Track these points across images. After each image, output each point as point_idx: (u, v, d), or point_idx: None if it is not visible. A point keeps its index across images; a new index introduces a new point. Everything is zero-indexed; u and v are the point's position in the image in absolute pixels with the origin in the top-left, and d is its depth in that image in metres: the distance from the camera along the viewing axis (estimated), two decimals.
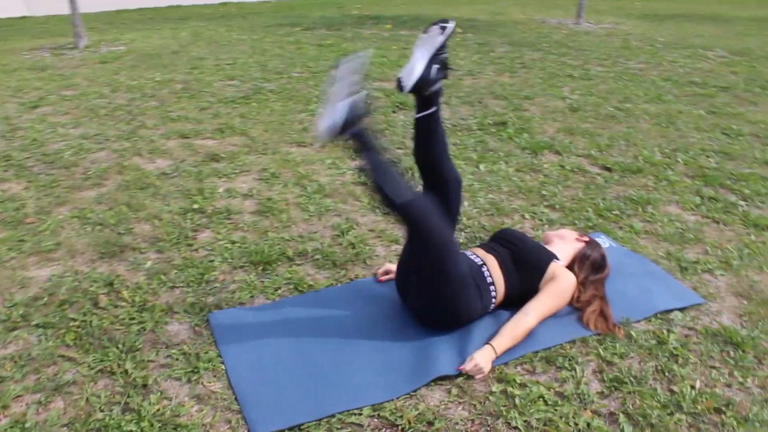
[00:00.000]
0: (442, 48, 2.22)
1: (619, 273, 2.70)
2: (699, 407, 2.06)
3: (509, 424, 1.96)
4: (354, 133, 2.14)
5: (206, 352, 2.19)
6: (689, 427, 1.98)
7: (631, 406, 2.04)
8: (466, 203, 3.29)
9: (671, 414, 2.02)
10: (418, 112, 2.33)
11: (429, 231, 2.18)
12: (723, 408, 2.06)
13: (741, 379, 2.19)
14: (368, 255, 2.83)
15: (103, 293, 2.51)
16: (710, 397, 2.10)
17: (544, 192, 3.51)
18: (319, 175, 3.55)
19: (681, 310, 2.55)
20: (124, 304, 2.45)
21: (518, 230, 2.90)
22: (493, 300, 2.40)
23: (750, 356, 2.31)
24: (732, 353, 2.32)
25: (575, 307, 2.50)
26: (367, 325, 2.38)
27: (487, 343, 2.24)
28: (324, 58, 5.96)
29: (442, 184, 2.37)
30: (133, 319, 2.37)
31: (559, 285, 2.42)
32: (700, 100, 5.43)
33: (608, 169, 3.89)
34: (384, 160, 2.18)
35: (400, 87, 2.23)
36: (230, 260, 2.74)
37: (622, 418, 2.00)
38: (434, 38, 2.21)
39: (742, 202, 3.53)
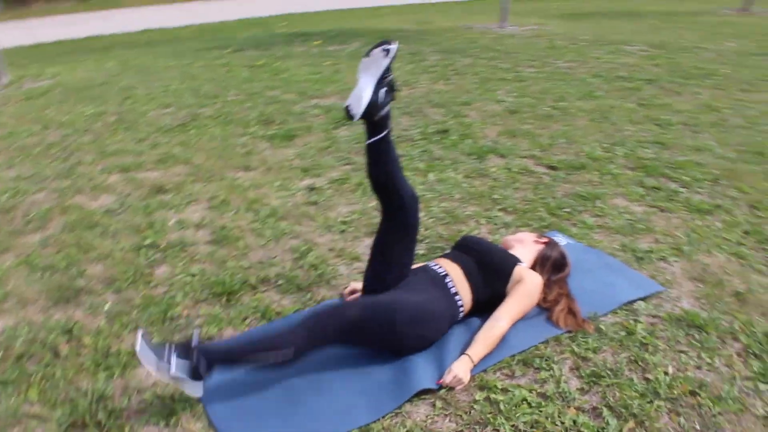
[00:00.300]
0: (387, 71, 2.21)
1: (579, 269, 2.76)
2: (675, 392, 2.12)
3: (498, 430, 1.97)
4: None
5: (181, 393, 2.12)
6: (669, 412, 2.04)
7: (611, 399, 2.09)
8: (420, 214, 3.31)
9: (651, 402, 2.07)
10: (370, 138, 2.30)
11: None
12: (697, 390, 2.13)
13: (709, 360, 2.27)
14: (331, 275, 2.81)
15: (63, 341, 2.41)
16: (684, 381, 2.16)
17: (495, 196, 3.57)
18: (269, 198, 3.51)
19: (643, 299, 2.63)
20: (86, 350, 2.35)
21: (480, 236, 2.93)
22: (461, 309, 2.42)
23: (713, 337, 2.39)
24: (696, 336, 2.41)
25: (543, 307, 2.54)
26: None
27: (463, 353, 2.25)
28: (258, 80, 5.91)
29: (400, 203, 2.35)
30: (99, 365, 2.28)
31: (526, 287, 2.46)
32: (628, 93, 5.63)
33: (553, 168, 3.98)
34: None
35: (350, 115, 2.21)
36: (192, 294, 2.67)
37: (605, 411, 2.04)
38: (379, 61, 2.20)
39: (682, 189, 3.67)
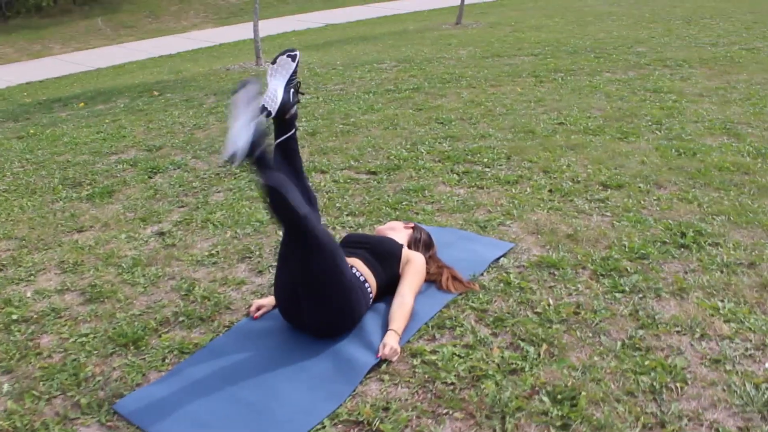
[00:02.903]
0: (294, 74, 2.41)
1: (442, 245, 3.13)
2: (563, 315, 2.57)
3: (446, 382, 2.24)
4: (259, 154, 2.22)
5: None
6: (566, 331, 2.47)
7: (520, 333, 2.47)
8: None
9: (550, 327, 2.49)
10: (278, 137, 2.48)
11: (322, 240, 2.35)
12: (577, 310, 2.60)
13: (573, 287, 2.77)
14: (227, 302, 2.85)
15: None
16: (565, 306, 2.62)
17: (337, 205, 3.83)
18: (124, 251, 3.39)
19: (504, 255, 3.07)
20: None
21: (359, 232, 3.18)
22: (371, 295, 2.64)
23: (568, 270, 2.91)
24: (556, 273, 2.90)
25: (429, 280, 2.85)
26: (276, 355, 2.44)
27: (388, 329, 2.47)
28: (38, 148, 5.49)
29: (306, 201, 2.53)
30: None
31: (415, 265, 2.76)
32: (403, 102, 6.25)
33: (374, 173, 4.35)
34: (282, 176, 2.29)
35: (267, 112, 2.36)
36: (96, 351, 2.54)
37: (520, 343, 2.41)
38: (286, 65, 2.39)
39: (486, 169, 4.27)
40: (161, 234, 3.57)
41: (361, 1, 17.63)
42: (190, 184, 4.33)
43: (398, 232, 3.01)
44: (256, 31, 8.84)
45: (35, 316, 2.81)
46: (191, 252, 3.34)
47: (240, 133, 2.17)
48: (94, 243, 3.50)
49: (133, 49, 12.66)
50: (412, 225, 3.07)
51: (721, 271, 2.85)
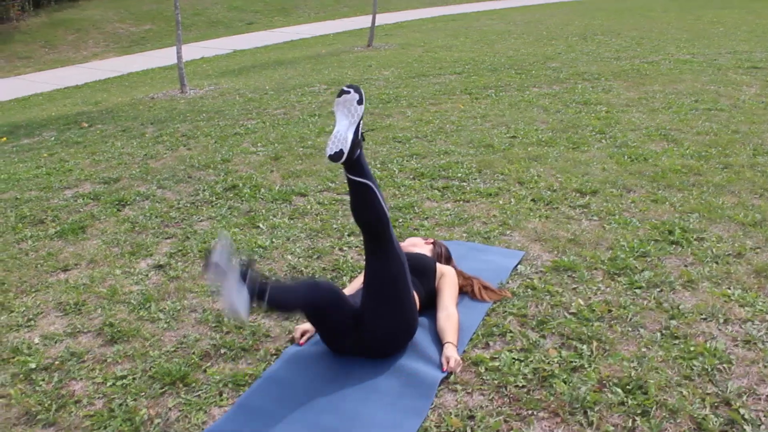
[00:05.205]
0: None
1: (458, 258, 3.25)
2: (598, 313, 2.75)
3: (517, 386, 2.35)
4: (358, 154, 2.37)
5: None
6: (608, 328, 2.65)
7: (567, 334, 2.63)
8: (288, 256, 3.46)
9: (591, 325, 2.67)
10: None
11: (398, 247, 2.44)
12: (609, 307, 2.79)
13: (594, 287, 2.97)
14: (263, 330, 2.83)
15: None
16: (596, 305, 2.81)
17: (335, 226, 3.85)
18: (127, 287, 3.24)
19: (519, 263, 3.23)
20: None
21: None
22: (417, 309, 2.72)
23: (584, 272, 3.11)
24: (573, 275, 3.10)
25: (461, 292, 2.96)
26: (340, 378, 2.46)
27: (444, 342, 2.56)
28: None
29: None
30: None
31: (451, 278, 2.87)
32: None
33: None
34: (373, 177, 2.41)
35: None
36: (143, 393, 2.46)
37: (572, 343, 2.56)
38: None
39: (463, 183, 4.45)
40: (159, 267, 3.48)
41: (262, 27, 17.58)
42: (167, 215, 4.22)
43: (421, 248, 3.10)
44: (179, 58, 8.66)
45: (55, 362, 2.67)
46: (201, 283, 3.27)
47: (348, 132, 2.32)
48: (89, 281, 3.36)
49: (32, 80, 12.01)
50: (432, 240, 3.17)
51: (716, 263, 3.14)
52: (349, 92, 2.40)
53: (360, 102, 2.39)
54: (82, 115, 7.86)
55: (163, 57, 13.47)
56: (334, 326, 2.49)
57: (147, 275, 3.41)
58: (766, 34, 11.26)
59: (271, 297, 2.26)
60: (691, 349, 2.48)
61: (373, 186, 2.41)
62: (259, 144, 5.78)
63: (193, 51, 13.67)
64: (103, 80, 11.57)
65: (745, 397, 2.22)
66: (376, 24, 12.83)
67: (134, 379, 2.57)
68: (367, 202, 2.41)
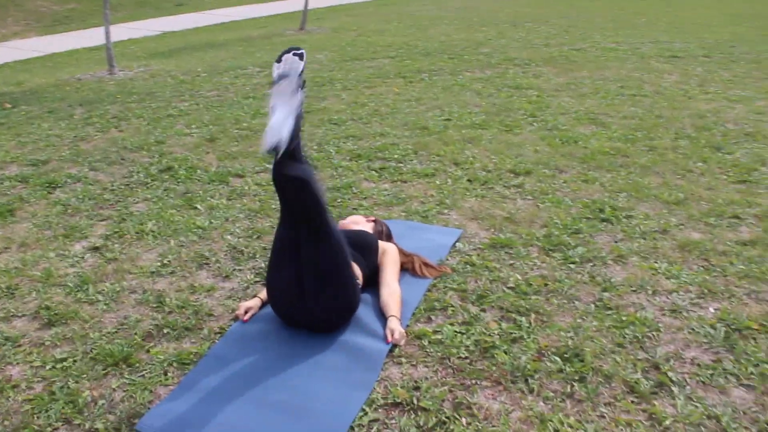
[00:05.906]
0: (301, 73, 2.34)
1: (397, 237, 3.29)
2: (535, 287, 2.85)
3: (460, 357, 2.42)
4: (294, 145, 2.27)
5: None
6: (545, 301, 2.75)
7: (507, 307, 2.71)
8: (228, 236, 3.43)
9: (529, 298, 2.76)
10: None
11: (335, 232, 2.43)
12: (545, 281, 2.89)
13: (531, 263, 3.07)
14: (206, 309, 2.80)
15: None
16: (533, 279, 2.91)
17: (273, 206, 3.83)
18: (62, 269, 3.09)
19: (458, 241, 3.30)
20: None
21: None
22: (360, 285, 2.75)
23: (520, 248, 3.21)
24: (510, 251, 3.19)
25: (402, 269, 3.01)
26: (285, 354, 2.46)
27: (388, 316, 2.60)
28: None
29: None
30: None
31: (392, 255, 2.92)
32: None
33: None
34: (309, 168, 2.35)
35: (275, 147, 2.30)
36: (84, 375, 2.40)
37: (511, 315, 2.64)
38: (295, 64, 2.31)
39: (400, 164, 4.49)
40: (96, 249, 3.38)
41: (192, 9, 17.11)
42: (100, 197, 4.10)
43: (362, 226, 3.12)
44: (108, 38, 8.35)
45: None
46: (140, 264, 3.20)
47: (283, 124, 2.20)
48: (21, 264, 3.23)
49: None
50: (374, 219, 3.20)
51: (644, 239, 3.29)
52: (295, 59, 2.30)
53: (300, 77, 2.30)
54: (5, 96, 7.49)
55: (89, 37, 12.92)
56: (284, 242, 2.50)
57: (83, 257, 3.31)
58: (684, 26, 11.77)
59: (299, 150, 2.32)
60: (623, 318, 2.60)
61: (311, 180, 2.35)
62: (193, 126, 5.66)
63: (120, 32, 13.16)
64: (24, 60, 11.01)
65: (672, 361, 2.35)
66: (308, 8, 12.70)
67: (75, 361, 2.50)
68: (303, 195, 2.38)
